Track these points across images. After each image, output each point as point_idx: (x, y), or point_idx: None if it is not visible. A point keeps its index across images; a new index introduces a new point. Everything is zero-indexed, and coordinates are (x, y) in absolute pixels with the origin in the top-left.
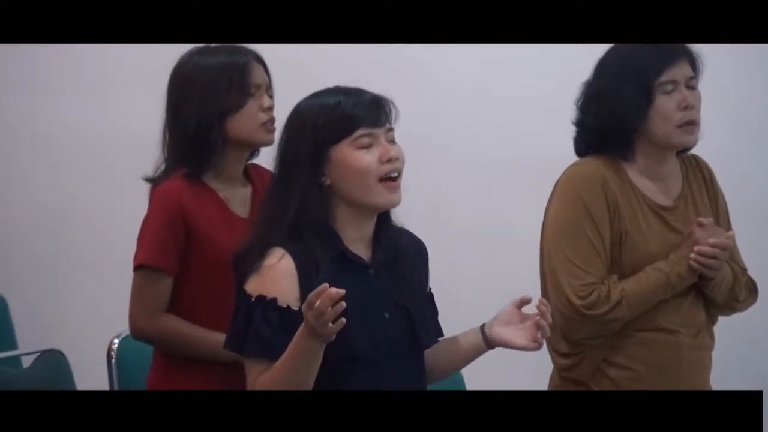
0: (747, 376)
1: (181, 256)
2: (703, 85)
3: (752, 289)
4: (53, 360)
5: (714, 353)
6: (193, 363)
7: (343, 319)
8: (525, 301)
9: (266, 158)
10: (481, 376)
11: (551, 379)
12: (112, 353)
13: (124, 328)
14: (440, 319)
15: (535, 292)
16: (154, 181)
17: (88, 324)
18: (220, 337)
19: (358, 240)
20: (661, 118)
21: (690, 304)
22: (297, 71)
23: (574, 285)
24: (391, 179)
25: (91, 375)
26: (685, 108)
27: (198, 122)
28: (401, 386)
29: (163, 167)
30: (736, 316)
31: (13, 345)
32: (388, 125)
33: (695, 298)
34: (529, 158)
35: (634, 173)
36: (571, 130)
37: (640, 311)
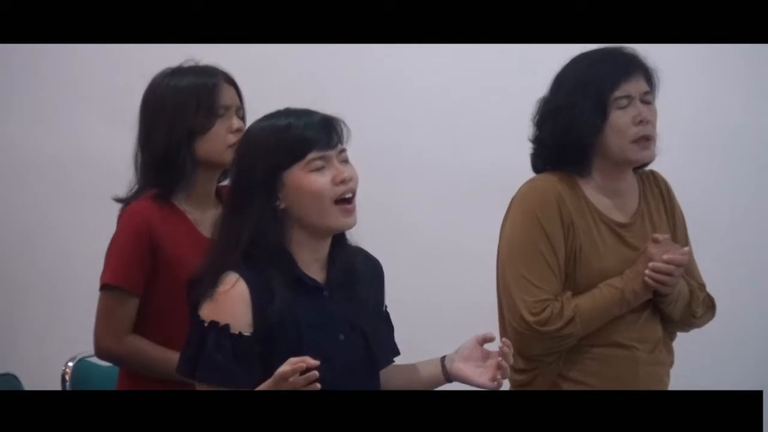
0: (747, 376)
1: (148, 277)
2: (661, 99)
3: (710, 305)
4: (7, 384)
5: (714, 353)
6: (158, 384)
7: (318, 385)
8: (487, 339)
9: None
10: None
11: None
12: (66, 376)
13: (78, 351)
14: (396, 336)
15: (492, 308)
16: (125, 202)
17: (41, 347)
18: None
19: (313, 262)
20: (615, 133)
21: (646, 320)
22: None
23: (528, 301)
24: (345, 201)
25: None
26: (640, 123)
27: (167, 143)
28: None
29: (135, 188)
30: (738, 317)
31: None
32: (340, 146)
33: (651, 314)
34: (485, 171)
35: (590, 189)
36: (528, 144)
37: (594, 327)
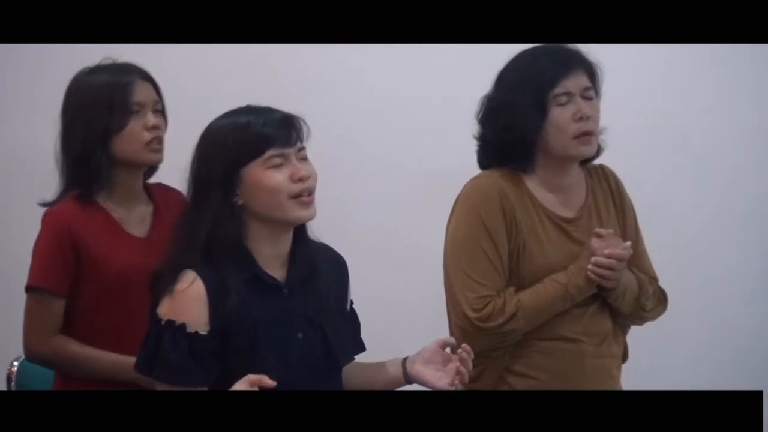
0: (747, 376)
1: (72, 278)
2: (612, 91)
3: (661, 299)
4: None
5: (714, 353)
6: (92, 384)
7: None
8: (448, 343)
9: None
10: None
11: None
12: (12, 376)
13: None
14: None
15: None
16: (48, 204)
17: None
18: (111, 358)
19: (273, 258)
20: (556, 129)
21: (593, 314)
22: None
23: (470, 298)
24: (303, 197)
25: None
26: (580, 119)
27: (83, 143)
28: None
29: (60, 189)
30: (738, 317)
31: None
32: (299, 144)
33: (599, 308)
34: (440, 169)
35: (534, 185)
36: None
37: (538, 322)
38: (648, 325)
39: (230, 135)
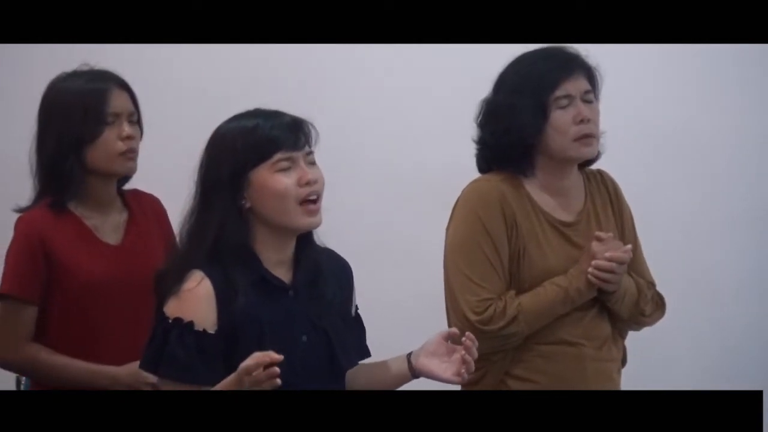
0: (747, 376)
1: (44, 285)
2: (609, 95)
3: (659, 304)
4: None
5: (714, 353)
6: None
7: (279, 381)
8: (452, 334)
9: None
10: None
11: None
12: (22, 380)
13: None
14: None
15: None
16: (22, 210)
17: None
18: (82, 366)
19: (278, 262)
20: (556, 132)
21: (593, 318)
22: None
23: (470, 301)
24: (310, 202)
25: None
26: (581, 122)
27: (54, 150)
28: None
29: (34, 196)
30: (738, 317)
31: None
32: (307, 148)
33: (599, 312)
34: (435, 171)
35: (533, 189)
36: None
37: (538, 326)
38: None
39: (239, 138)
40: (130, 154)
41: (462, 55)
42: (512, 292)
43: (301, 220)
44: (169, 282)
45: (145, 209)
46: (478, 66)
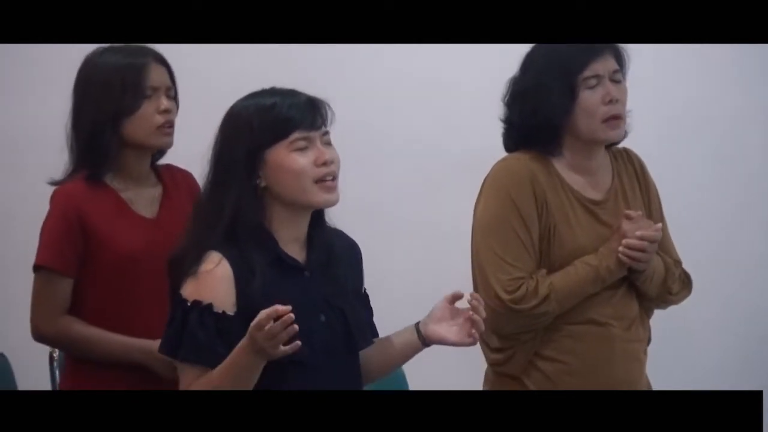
0: (747, 376)
1: (80, 258)
2: (635, 76)
3: (686, 282)
4: None
5: (714, 353)
6: (98, 366)
7: (298, 342)
8: (457, 297)
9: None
10: (420, 372)
11: (486, 375)
12: (54, 355)
13: None
14: (377, 316)
15: (470, 288)
16: (57, 183)
17: (28, 325)
18: (117, 339)
19: (292, 241)
20: (585, 113)
21: (622, 297)
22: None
23: (502, 280)
24: (327, 180)
25: (33, 377)
26: (609, 102)
27: (93, 124)
28: (337, 388)
29: (70, 169)
30: (738, 317)
31: None
32: (323, 128)
33: (627, 291)
34: (464, 152)
35: (562, 167)
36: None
37: (569, 305)
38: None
39: (255, 116)
40: (168, 129)
41: (482, 47)
42: (543, 271)
43: (318, 197)
44: (186, 263)
45: (178, 184)
46: (505, 49)
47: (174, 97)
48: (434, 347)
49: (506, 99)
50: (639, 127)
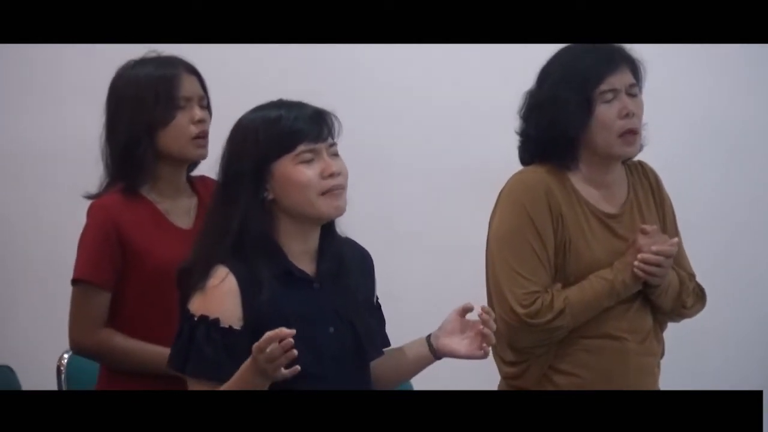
0: (747, 376)
1: (118, 270)
2: (652, 89)
3: (700, 295)
4: (3, 376)
5: (714, 353)
6: (135, 378)
7: (298, 367)
8: (467, 309)
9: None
10: (429, 385)
11: (499, 387)
12: (62, 368)
13: None
14: (389, 327)
15: (482, 301)
16: (93, 196)
17: (36, 339)
18: (156, 350)
19: (302, 254)
20: (601, 127)
21: (636, 311)
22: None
23: (517, 294)
24: (334, 192)
25: (41, 390)
26: (626, 116)
27: (127, 136)
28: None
29: (106, 182)
30: (738, 317)
31: None
32: (330, 139)
33: (642, 305)
34: (476, 165)
35: (578, 181)
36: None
37: (584, 319)
38: None
39: (261, 129)
40: (202, 139)
41: (498, 49)
42: (558, 285)
43: (325, 209)
44: (194, 277)
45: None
46: (518, 58)
47: (207, 107)
48: (447, 360)
49: (522, 112)
50: (651, 135)
